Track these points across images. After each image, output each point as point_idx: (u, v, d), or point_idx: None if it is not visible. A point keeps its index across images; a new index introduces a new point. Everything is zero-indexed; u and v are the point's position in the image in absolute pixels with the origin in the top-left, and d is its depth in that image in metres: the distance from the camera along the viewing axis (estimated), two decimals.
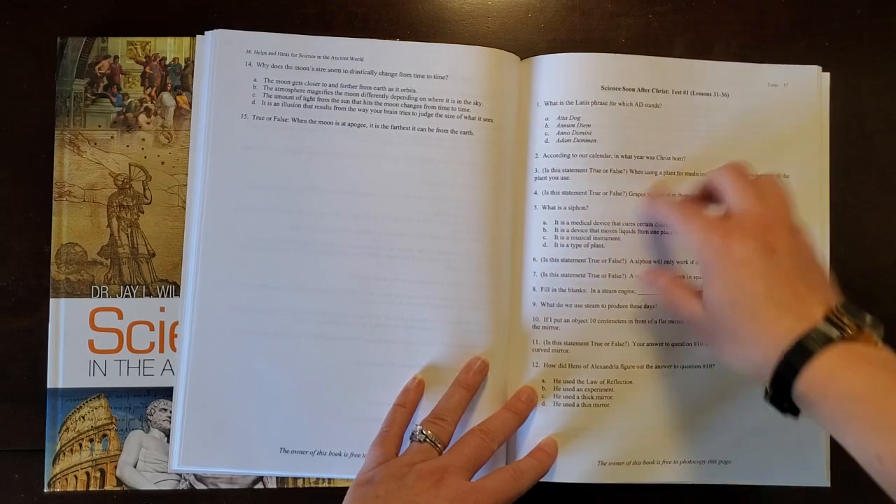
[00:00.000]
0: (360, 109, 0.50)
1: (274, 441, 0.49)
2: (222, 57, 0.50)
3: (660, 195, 0.49)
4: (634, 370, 0.49)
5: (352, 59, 0.50)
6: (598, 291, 0.49)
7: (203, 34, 0.51)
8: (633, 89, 0.50)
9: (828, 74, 0.53)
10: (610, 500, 0.50)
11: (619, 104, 0.50)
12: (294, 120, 0.50)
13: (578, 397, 0.49)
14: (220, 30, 0.51)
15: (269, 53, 0.50)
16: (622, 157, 0.50)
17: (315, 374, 0.49)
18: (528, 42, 0.53)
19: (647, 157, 0.50)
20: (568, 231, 0.49)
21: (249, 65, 0.50)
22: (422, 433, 0.44)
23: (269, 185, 0.49)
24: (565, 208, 0.49)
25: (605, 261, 0.49)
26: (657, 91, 0.51)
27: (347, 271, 0.49)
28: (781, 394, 0.38)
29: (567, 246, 0.49)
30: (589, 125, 0.50)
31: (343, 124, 0.50)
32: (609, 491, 0.49)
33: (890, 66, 0.54)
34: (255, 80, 0.50)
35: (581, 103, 0.50)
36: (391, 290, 0.49)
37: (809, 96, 0.52)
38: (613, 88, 0.50)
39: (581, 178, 0.49)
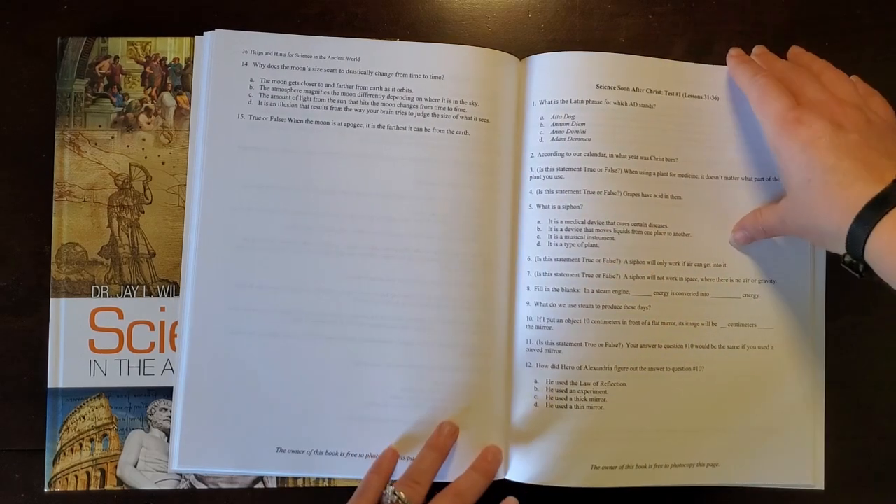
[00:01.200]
0: (356, 110, 0.50)
1: (271, 441, 0.49)
2: (219, 57, 0.50)
3: (744, 58, 0.50)
4: (627, 372, 0.49)
5: (348, 59, 0.50)
6: (592, 292, 0.49)
7: (203, 34, 0.51)
8: (628, 89, 0.50)
9: None
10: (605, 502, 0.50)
11: (614, 103, 0.50)
12: (291, 120, 0.50)
13: (571, 399, 0.49)
14: (217, 30, 0.51)
15: (266, 54, 0.50)
16: (617, 156, 0.49)
17: (312, 374, 0.49)
18: (528, 42, 0.53)
19: (642, 157, 0.50)
20: (562, 230, 0.49)
21: (246, 65, 0.50)
22: (394, 494, 0.45)
23: (265, 185, 0.49)
24: (559, 207, 0.49)
25: (600, 261, 0.49)
26: (651, 91, 0.50)
27: (344, 271, 0.49)
28: (856, 259, 0.41)
29: (561, 245, 0.49)
30: (583, 124, 0.49)
31: (339, 124, 0.50)
32: (605, 494, 0.49)
33: (890, 66, 0.54)
34: (251, 81, 0.50)
35: (576, 102, 0.50)
36: (388, 290, 0.49)
37: None
38: (608, 87, 0.50)
39: (575, 177, 0.49)
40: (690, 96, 0.51)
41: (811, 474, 0.50)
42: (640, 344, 0.49)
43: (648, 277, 0.49)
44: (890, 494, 0.52)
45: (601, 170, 0.49)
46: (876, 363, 0.53)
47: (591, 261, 0.49)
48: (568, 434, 0.48)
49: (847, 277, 0.52)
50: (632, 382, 0.49)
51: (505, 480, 0.49)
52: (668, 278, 0.50)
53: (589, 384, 0.49)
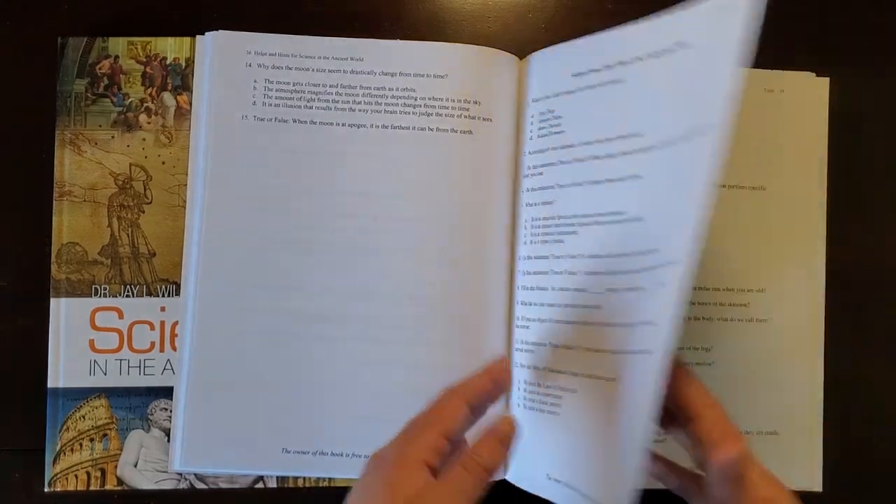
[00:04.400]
0: (360, 110, 0.50)
1: (276, 441, 0.49)
2: (222, 58, 0.50)
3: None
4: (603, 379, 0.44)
5: (352, 59, 0.50)
6: (556, 290, 0.46)
7: (203, 34, 0.51)
8: (599, 69, 0.46)
9: (826, 80, 0.53)
10: None
11: (586, 88, 0.47)
12: (295, 121, 0.50)
13: (538, 401, 0.46)
14: (220, 31, 0.51)
15: (270, 54, 0.50)
16: (584, 144, 0.46)
17: (316, 374, 0.49)
18: (528, 42, 0.53)
19: (606, 140, 0.44)
20: (539, 227, 0.48)
21: (250, 66, 0.50)
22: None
23: (269, 186, 0.49)
24: (539, 204, 0.48)
25: (563, 257, 0.46)
26: (622, 63, 0.45)
27: (348, 271, 0.49)
28: None
29: (537, 243, 0.48)
30: (560, 117, 0.48)
31: (343, 125, 0.50)
32: None
33: (890, 65, 0.54)
34: (255, 81, 0.50)
35: (556, 95, 0.49)
36: (392, 289, 0.49)
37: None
38: (581, 74, 0.47)
39: (551, 172, 0.48)
40: (652, 55, 0.43)
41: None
42: (613, 349, 0.45)
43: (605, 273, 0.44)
44: (889, 495, 0.52)
45: (570, 161, 0.47)
46: (876, 363, 0.53)
47: (558, 257, 0.46)
48: (541, 437, 0.46)
49: (847, 277, 0.52)
50: (611, 386, 0.43)
51: (504, 481, 0.49)
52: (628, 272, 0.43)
53: (550, 387, 0.46)
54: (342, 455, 0.49)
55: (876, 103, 0.54)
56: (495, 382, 0.41)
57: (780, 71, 0.52)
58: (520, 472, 0.48)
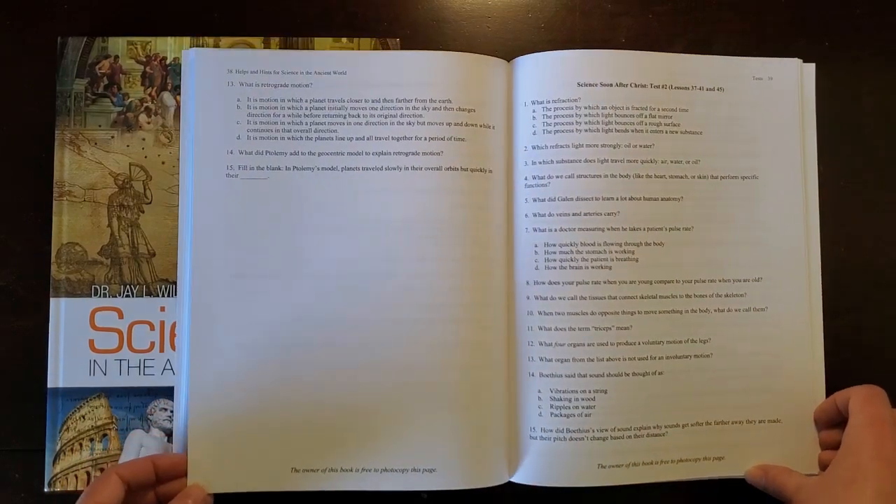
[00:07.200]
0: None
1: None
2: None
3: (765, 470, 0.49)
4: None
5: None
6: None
7: (202, 36, 0.51)
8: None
9: (812, 66, 0.52)
10: (602, 501, 0.50)
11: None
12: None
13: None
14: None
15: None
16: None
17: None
18: (528, 42, 0.53)
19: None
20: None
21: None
22: None
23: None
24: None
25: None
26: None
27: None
28: None
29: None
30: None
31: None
32: (605, 492, 0.49)
33: (889, 65, 0.54)
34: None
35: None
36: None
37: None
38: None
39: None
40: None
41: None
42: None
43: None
44: None
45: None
46: (876, 363, 0.53)
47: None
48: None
49: (847, 277, 0.52)
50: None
51: (511, 483, 0.49)
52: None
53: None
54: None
55: (876, 96, 0.54)
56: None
57: (768, 58, 0.52)
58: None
